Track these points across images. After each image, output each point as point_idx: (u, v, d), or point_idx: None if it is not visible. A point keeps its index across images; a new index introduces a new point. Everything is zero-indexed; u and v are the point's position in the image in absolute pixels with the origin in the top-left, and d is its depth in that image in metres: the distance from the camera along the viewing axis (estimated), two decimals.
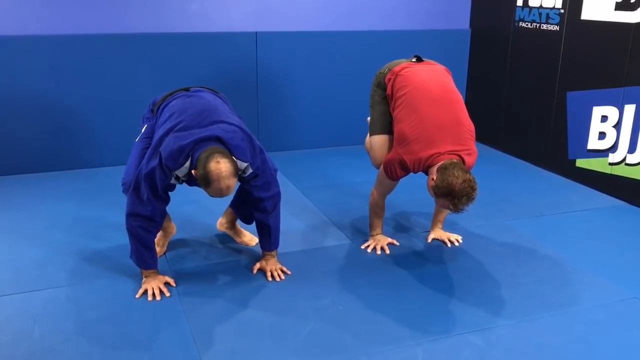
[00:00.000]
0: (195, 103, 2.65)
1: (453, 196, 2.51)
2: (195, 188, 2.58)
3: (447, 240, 3.22)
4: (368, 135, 3.19)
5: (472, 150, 2.80)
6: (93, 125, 4.33)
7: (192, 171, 2.40)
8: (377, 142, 3.08)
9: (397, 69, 3.02)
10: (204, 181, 2.36)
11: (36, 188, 3.96)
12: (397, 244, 3.17)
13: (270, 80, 4.72)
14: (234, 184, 2.38)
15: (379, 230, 3.19)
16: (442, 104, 2.82)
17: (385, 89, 3.05)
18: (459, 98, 2.92)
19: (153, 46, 4.34)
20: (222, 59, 4.53)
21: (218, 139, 2.43)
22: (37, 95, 4.13)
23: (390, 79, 3.01)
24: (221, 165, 2.32)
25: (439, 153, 2.68)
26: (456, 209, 2.54)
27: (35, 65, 4.09)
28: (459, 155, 2.70)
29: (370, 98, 3.17)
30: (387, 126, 3.03)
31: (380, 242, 3.14)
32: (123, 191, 2.75)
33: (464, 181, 2.50)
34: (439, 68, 3.09)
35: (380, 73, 3.12)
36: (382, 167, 2.93)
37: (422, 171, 2.77)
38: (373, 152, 3.12)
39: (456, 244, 3.21)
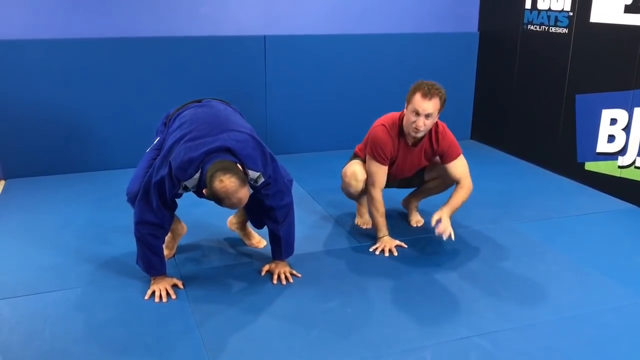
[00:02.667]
0: (206, 112, 2.66)
1: (423, 85, 2.88)
2: None
3: (442, 231, 2.98)
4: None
5: None
6: (104, 128, 4.36)
7: (204, 190, 2.41)
8: (346, 167, 3.31)
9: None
10: (215, 200, 2.37)
11: (47, 191, 3.99)
12: (405, 246, 3.17)
13: (278, 83, 4.73)
14: (245, 194, 2.36)
15: (385, 231, 3.19)
16: None
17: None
18: None
19: (163, 50, 4.37)
20: (231, 62, 4.55)
21: (228, 150, 2.42)
22: (48, 98, 4.17)
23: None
24: (225, 183, 2.29)
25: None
26: (427, 90, 2.84)
27: (47, 68, 4.12)
28: None
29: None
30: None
31: (388, 244, 3.14)
32: (127, 200, 2.77)
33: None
34: None
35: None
36: (368, 156, 3.13)
37: (399, 128, 3.04)
38: (345, 172, 3.28)
39: (450, 237, 2.99)
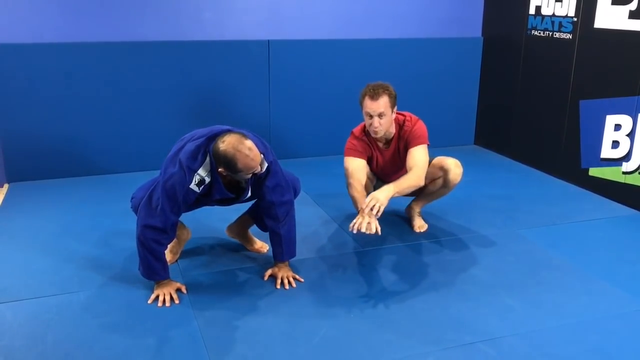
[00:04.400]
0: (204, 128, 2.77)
1: (369, 88, 3.03)
2: None
3: (367, 202, 2.78)
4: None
5: None
6: (107, 132, 4.37)
7: (219, 169, 2.48)
8: None
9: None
10: (228, 163, 2.44)
11: (50, 194, 4.00)
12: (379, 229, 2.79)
13: (282, 88, 4.74)
14: (252, 143, 2.46)
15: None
16: None
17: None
18: None
19: (167, 54, 4.38)
20: (235, 66, 4.56)
21: (229, 131, 2.54)
22: (51, 102, 4.18)
23: None
24: (229, 139, 2.44)
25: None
26: (373, 92, 2.99)
27: (50, 72, 4.13)
28: None
29: None
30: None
31: (366, 217, 2.76)
32: (131, 207, 2.80)
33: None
34: None
35: None
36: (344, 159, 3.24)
37: (366, 132, 3.19)
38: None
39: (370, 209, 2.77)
